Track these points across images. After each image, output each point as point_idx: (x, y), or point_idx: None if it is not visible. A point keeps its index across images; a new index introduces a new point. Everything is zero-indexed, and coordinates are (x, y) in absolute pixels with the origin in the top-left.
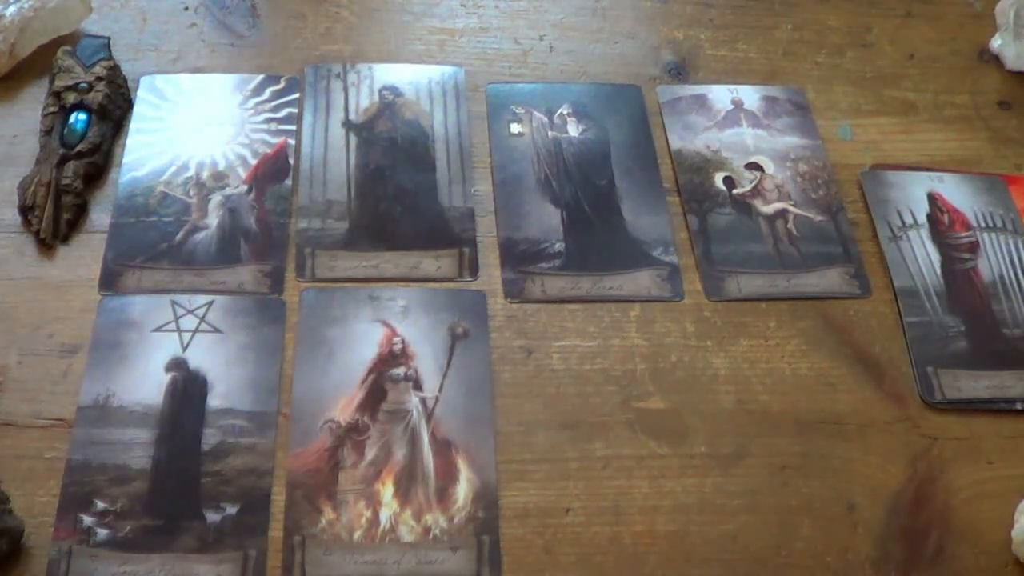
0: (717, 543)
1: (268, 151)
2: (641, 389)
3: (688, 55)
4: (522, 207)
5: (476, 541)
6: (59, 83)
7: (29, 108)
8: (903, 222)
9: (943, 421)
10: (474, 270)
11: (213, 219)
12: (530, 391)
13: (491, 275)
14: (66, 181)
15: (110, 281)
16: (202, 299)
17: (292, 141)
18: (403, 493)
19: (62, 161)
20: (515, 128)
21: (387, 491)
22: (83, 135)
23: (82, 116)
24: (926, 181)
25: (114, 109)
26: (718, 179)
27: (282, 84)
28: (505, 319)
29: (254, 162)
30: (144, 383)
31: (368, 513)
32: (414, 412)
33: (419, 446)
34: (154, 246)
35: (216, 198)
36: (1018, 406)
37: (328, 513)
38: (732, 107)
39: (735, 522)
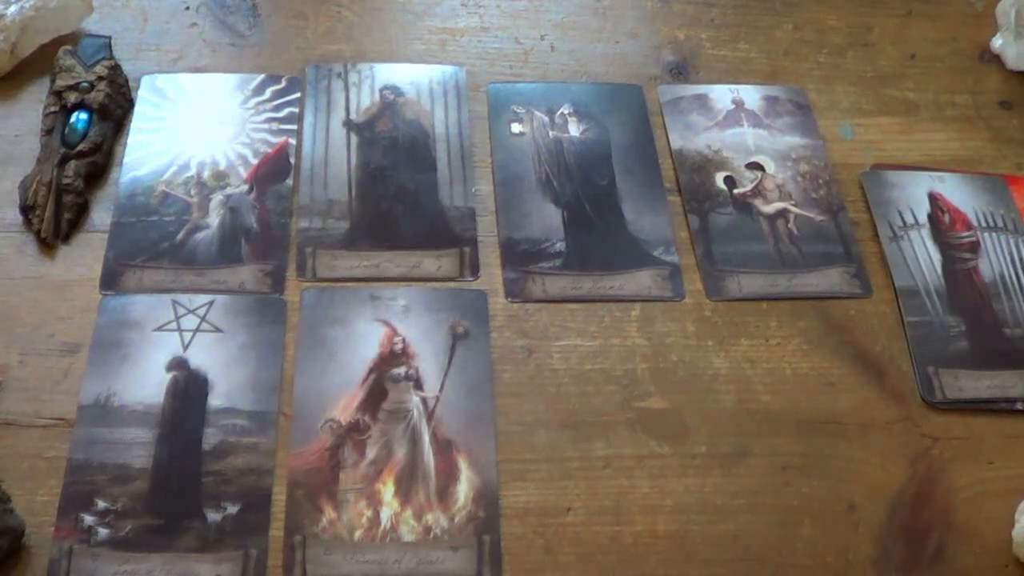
0: (718, 543)
1: (269, 150)
2: (642, 389)
3: (689, 55)
4: (523, 207)
5: (477, 541)
6: (60, 82)
7: (30, 107)
8: (904, 222)
9: (944, 421)
10: (475, 270)
11: (214, 218)
12: (531, 391)
13: (492, 275)
14: (67, 180)
15: (111, 280)
16: (203, 299)
17: (293, 141)
18: (404, 493)
19: (63, 160)
20: (516, 128)
21: (388, 491)
22: (84, 134)
23: (83, 116)
24: (927, 181)
25: (115, 109)
26: (719, 179)
27: (283, 84)
28: (506, 319)
29: (255, 161)
30: (145, 382)
31: (369, 512)
32: (415, 412)
33: (420, 446)
34: (155, 245)
35: (217, 197)
36: (1019, 406)
37: (329, 512)
38: (733, 107)
39: (736, 522)
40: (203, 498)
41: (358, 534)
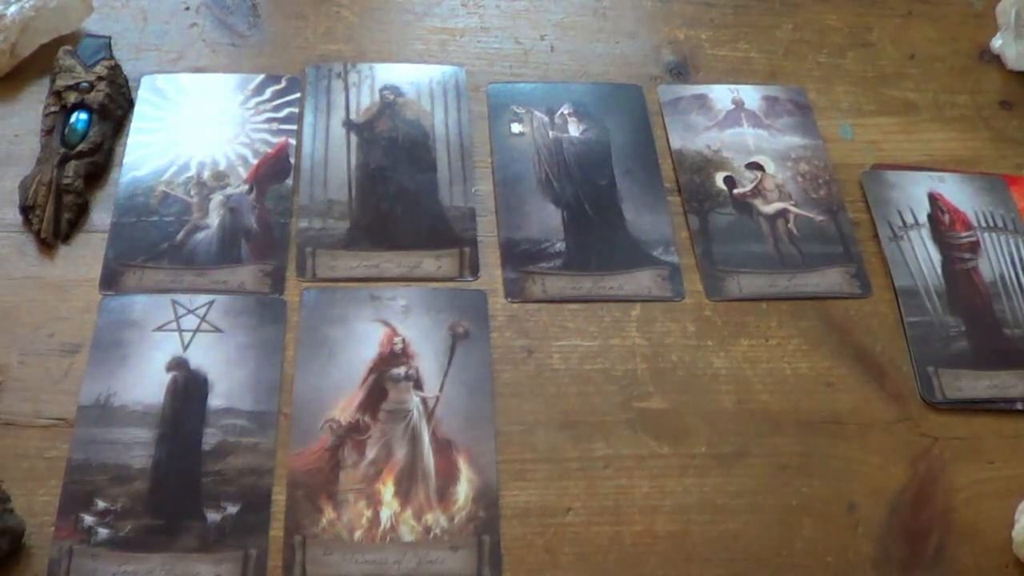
0: (718, 543)
1: (269, 151)
2: (642, 389)
3: (689, 55)
4: (523, 207)
5: (477, 541)
6: (60, 83)
7: (30, 108)
8: (904, 222)
9: (944, 421)
10: (475, 270)
11: (214, 219)
12: (531, 391)
13: (492, 275)
14: (67, 181)
15: (111, 281)
16: (203, 299)
17: (293, 141)
18: (404, 493)
19: (63, 161)
20: (516, 128)
21: (388, 491)
22: (84, 135)
23: (83, 116)
24: (927, 181)
25: (115, 109)
26: (719, 179)
27: (283, 84)
28: (506, 319)
29: (255, 162)
30: (145, 383)
31: (369, 513)
32: (415, 412)
33: (420, 446)
34: (155, 246)
35: (217, 198)
36: (1019, 406)
37: (329, 513)
38: (733, 107)
39: (736, 522)
40: (203, 498)
41: (358, 534)
